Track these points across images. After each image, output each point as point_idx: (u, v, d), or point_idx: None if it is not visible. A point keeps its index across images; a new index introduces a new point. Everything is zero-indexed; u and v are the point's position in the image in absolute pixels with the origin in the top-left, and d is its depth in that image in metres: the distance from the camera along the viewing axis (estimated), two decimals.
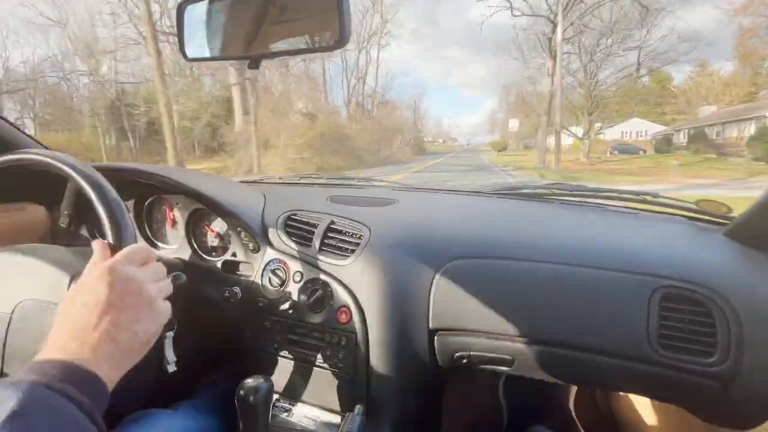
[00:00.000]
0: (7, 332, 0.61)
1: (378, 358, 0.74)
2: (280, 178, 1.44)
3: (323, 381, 0.79)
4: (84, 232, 1.02)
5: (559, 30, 18.33)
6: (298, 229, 0.86)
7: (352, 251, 0.79)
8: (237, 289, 0.85)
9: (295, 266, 0.83)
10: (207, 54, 0.58)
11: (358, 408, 0.70)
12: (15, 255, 0.66)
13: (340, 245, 0.81)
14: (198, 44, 0.58)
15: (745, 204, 0.73)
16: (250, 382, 0.65)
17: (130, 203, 0.98)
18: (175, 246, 0.98)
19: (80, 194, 0.61)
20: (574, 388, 1.21)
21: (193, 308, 0.86)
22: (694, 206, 0.88)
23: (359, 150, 22.37)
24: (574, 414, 1.19)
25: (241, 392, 0.64)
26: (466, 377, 1.00)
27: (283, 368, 0.83)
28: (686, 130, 28.46)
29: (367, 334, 0.75)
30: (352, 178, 1.42)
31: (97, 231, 1.02)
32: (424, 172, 17.13)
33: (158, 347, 0.76)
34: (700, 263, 0.68)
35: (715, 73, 32.41)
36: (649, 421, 0.99)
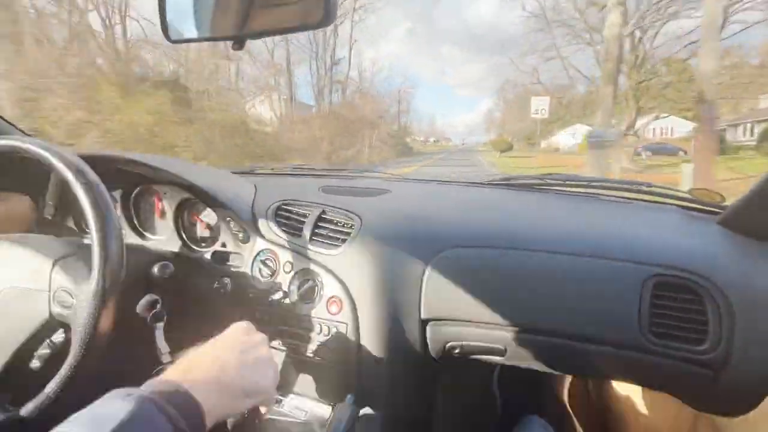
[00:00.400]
0: None
1: (369, 349, 0.74)
2: (272, 169, 1.42)
3: (314, 372, 0.78)
4: (70, 222, 1.00)
5: None
6: (288, 219, 0.85)
7: (343, 241, 0.78)
8: (227, 280, 0.84)
9: (285, 256, 0.82)
10: (190, 35, 0.56)
11: (349, 398, 0.69)
12: None
13: (331, 235, 0.80)
14: (181, 26, 0.57)
15: None
16: None
17: (117, 193, 0.96)
18: (164, 237, 0.96)
19: (65, 184, 0.59)
20: (567, 378, 1.22)
21: (183, 299, 0.85)
22: (687, 195, 0.88)
23: (296, 149, 16.96)
24: (567, 404, 1.19)
25: None
26: (459, 367, 0.99)
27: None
28: (746, 125, 23.41)
29: (358, 324, 0.74)
30: (345, 169, 1.40)
31: (83, 221, 1.00)
32: None
33: (150, 339, 0.75)
34: (692, 251, 0.67)
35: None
36: (641, 411, 0.99)
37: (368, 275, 0.74)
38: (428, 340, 0.76)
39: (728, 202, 0.80)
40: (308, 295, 0.78)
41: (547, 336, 0.69)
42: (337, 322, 0.75)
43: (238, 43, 0.50)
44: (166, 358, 0.76)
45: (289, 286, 0.80)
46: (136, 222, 0.99)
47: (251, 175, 1.28)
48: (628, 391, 1.04)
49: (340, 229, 0.80)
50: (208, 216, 0.93)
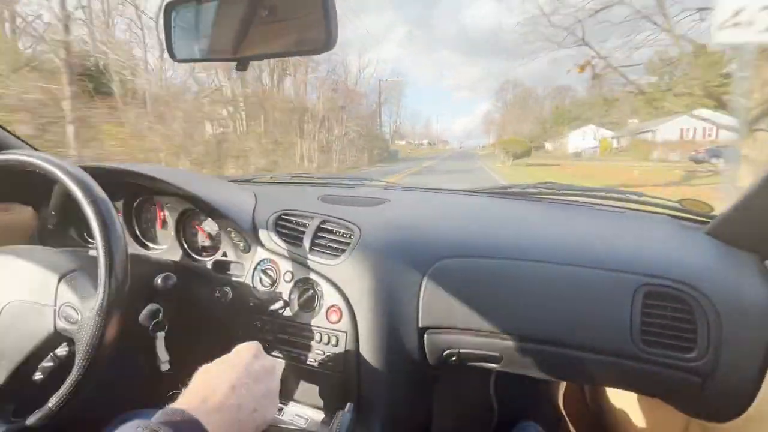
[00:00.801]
0: None
1: (368, 357, 0.75)
2: (271, 178, 1.44)
3: (314, 380, 0.79)
4: (72, 233, 1.01)
5: None
6: (288, 229, 0.86)
7: (343, 251, 0.80)
8: (228, 289, 0.86)
9: (285, 266, 0.83)
10: (195, 55, 0.58)
11: (348, 406, 0.70)
12: (2, 256, 0.66)
13: (331, 245, 0.82)
14: (186, 45, 0.59)
15: None
16: None
17: (119, 203, 0.98)
18: (165, 246, 0.97)
19: (68, 195, 0.61)
20: (563, 384, 1.23)
21: (184, 309, 0.86)
22: (678, 205, 0.90)
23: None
24: (563, 409, 1.21)
25: None
26: (456, 374, 1.01)
27: None
28: None
29: (357, 332, 0.75)
30: (343, 177, 1.42)
31: (85, 232, 1.01)
32: None
33: (150, 347, 0.77)
34: (682, 261, 0.69)
35: None
36: (635, 416, 1.01)
37: (367, 285, 0.76)
38: (426, 348, 0.77)
39: (716, 212, 0.82)
40: (308, 305, 0.79)
41: (541, 344, 0.71)
42: (336, 330, 0.76)
43: (242, 64, 0.51)
44: (164, 367, 0.77)
45: (289, 296, 0.81)
46: (137, 232, 1.00)
47: (250, 183, 1.29)
48: (622, 396, 1.06)
49: (340, 239, 0.82)
50: (210, 226, 0.94)
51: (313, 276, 0.80)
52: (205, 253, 0.95)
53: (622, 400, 1.07)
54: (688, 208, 0.88)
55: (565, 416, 1.21)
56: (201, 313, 0.90)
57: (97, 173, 0.64)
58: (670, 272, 0.66)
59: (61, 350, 0.61)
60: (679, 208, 0.89)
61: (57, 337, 0.60)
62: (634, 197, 0.94)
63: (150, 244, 1.00)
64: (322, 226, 0.85)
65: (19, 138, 0.99)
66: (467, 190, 1.22)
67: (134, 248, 0.99)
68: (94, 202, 0.58)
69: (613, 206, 0.99)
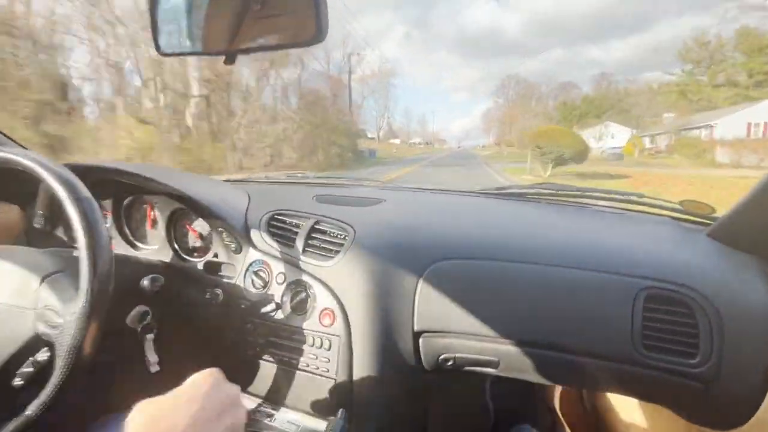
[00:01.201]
0: None
1: (362, 361, 0.73)
2: (266, 177, 1.42)
3: (306, 385, 0.77)
4: (60, 232, 0.99)
5: None
6: (281, 230, 0.84)
7: (336, 252, 0.78)
8: (219, 291, 0.84)
9: (278, 267, 0.81)
10: (181, 49, 0.56)
11: (341, 412, 0.69)
12: None
13: (324, 246, 0.80)
14: (172, 38, 0.56)
15: None
16: None
17: (108, 203, 0.95)
18: (156, 246, 0.95)
19: (54, 194, 0.58)
20: (559, 388, 1.21)
21: (174, 311, 0.84)
22: (678, 207, 0.88)
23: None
24: (559, 413, 1.19)
25: None
26: (452, 378, 0.99)
27: (265, 372, 0.81)
28: None
29: (350, 336, 0.74)
30: (340, 177, 1.40)
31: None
32: None
33: (140, 350, 0.75)
34: (683, 264, 0.68)
35: None
36: (633, 421, 0.99)
37: (361, 287, 0.74)
38: (421, 353, 0.75)
39: (718, 214, 0.81)
40: (301, 307, 0.77)
41: (540, 348, 0.69)
42: (329, 334, 0.74)
43: (230, 58, 0.49)
44: (154, 368, 0.75)
45: (281, 298, 0.79)
46: (127, 232, 0.98)
47: (244, 183, 1.27)
48: (620, 401, 1.04)
49: (334, 240, 0.80)
50: (201, 226, 0.92)
51: (305, 278, 0.78)
52: (196, 254, 0.93)
53: (621, 405, 1.05)
54: (689, 209, 0.87)
55: (562, 420, 1.19)
56: (191, 315, 0.88)
57: (85, 172, 0.62)
58: (671, 275, 0.65)
59: (42, 355, 0.59)
60: (679, 210, 0.88)
61: (37, 342, 0.58)
62: (635, 198, 0.93)
63: (140, 245, 0.98)
64: (315, 226, 0.83)
65: (5, 135, 0.96)
66: (464, 190, 1.21)
67: (124, 249, 0.97)
68: (78, 200, 0.56)
69: (612, 207, 0.98)
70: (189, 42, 0.54)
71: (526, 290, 0.70)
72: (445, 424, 1.04)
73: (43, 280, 0.60)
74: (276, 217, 0.86)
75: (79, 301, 0.53)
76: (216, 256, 0.89)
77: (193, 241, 0.93)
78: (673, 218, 0.89)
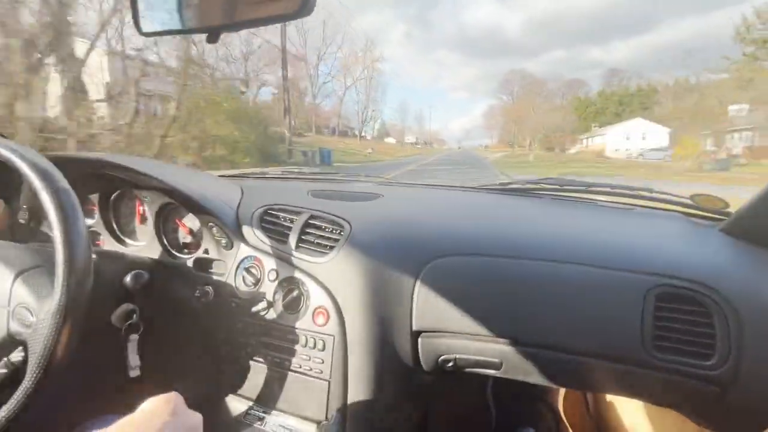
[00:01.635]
0: None
1: (357, 363, 0.70)
2: (262, 173, 1.38)
3: (299, 387, 0.74)
4: (45, 227, 0.95)
5: None
6: (274, 225, 0.81)
7: (331, 248, 0.75)
8: (209, 289, 0.80)
9: (270, 264, 0.78)
10: (163, 27, 0.52)
11: (334, 416, 0.65)
12: None
13: (319, 241, 0.76)
14: (154, 18, 0.53)
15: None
16: None
17: (95, 197, 0.92)
18: (144, 242, 0.92)
19: (31, 185, 0.55)
20: (563, 390, 1.18)
21: (162, 309, 0.81)
22: (689, 201, 0.85)
23: None
24: (563, 415, 1.16)
25: None
26: (452, 379, 0.96)
27: (257, 373, 0.78)
28: None
29: (345, 336, 0.70)
30: (337, 173, 1.37)
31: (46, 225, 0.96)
32: None
33: (119, 352, 0.71)
34: (697, 260, 0.64)
35: None
36: (638, 424, 0.96)
37: (356, 284, 0.71)
38: (420, 353, 0.72)
39: (732, 209, 0.77)
40: (293, 306, 0.74)
41: (544, 349, 0.66)
42: (323, 334, 0.71)
43: (213, 35, 0.46)
44: (134, 373, 0.72)
45: (273, 296, 0.76)
46: (115, 227, 0.94)
47: (239, 178, 1.24)
48: (625, 404, 1.01)
49: (328, 235, 0.77)
50: (191, 221, 0.89)
51: (299, 275, 0.75)
52: (186, 250, 0.90)
53: (625, 408, 1.02)
54: (701, 204, 0.83)
55: (566, 422, 1.16)
56: (180, 314, 0.84)
57: (68, 164, 0.59)
58: (684, 272, 0.61)
59: (16, 356, 0.55)
60: (690, 205, 0.84)
61: (10, 341, 0.55)
62: (644, 193, 0.89)
63: (128, 240, 0.94)
64: (309, 221, 0.79)
65: None
66: (465, 186, 1.17)
67: (111, 244, 0.94)
68: (55, 192, 0.52)
69: (620, 203, 0.94)
70: (170, 20, 0.51)
71: (530, 288, 0.67)
72: (445, 427, 1.01)
73: (17, 276, 0.57)
74: (269, 211, 0.83)
75: (54, 298, 0.50)
76: (206, 252, 0.85)
77: (183, 236, 0.90)
78: (684, 213, 0.86)
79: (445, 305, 0.69)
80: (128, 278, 0.70)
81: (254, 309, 0.76)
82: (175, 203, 0.87)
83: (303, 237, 0.78)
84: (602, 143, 36.75)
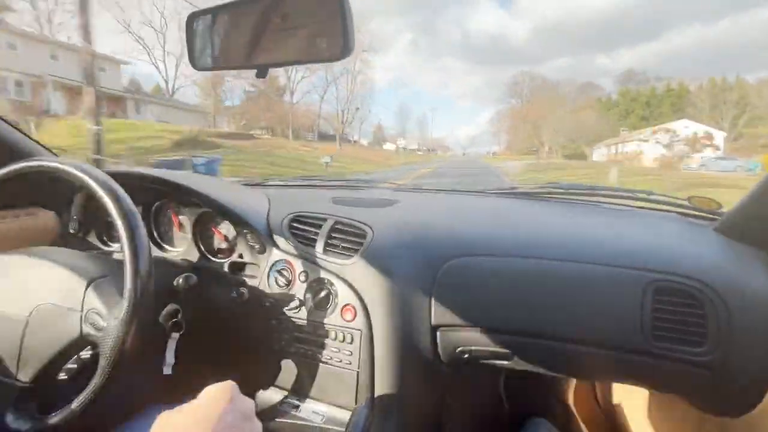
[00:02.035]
0: (23, 336, 0.63)
1: (382, 354, 0.77)
2: (282, 181, 1.46)
3: (330, 378, 0.81)
4: (92, 237, 1.04)
5: None
6: (302, 231, 0.88)
7: (356, 251, 0.82)
8: (244, 290, 0.88)
9: (300, 266, 0.85)
10: (216, 63, 0.60)
11: (364, 402, 0.72)
12: (32, 258, 0.68)
13: (344, 245, 0.84)
14: (206, 54, 0.61)
15: None
16: None
17: (139, 207, 1.00)
18: (183, 248, 1.00)
19: (89, 200, 0.63)
20: (573, 382, 1.24)
21: (201, 309, 0.89)
22: (686, 203, 0.91)
23: None
24: (573, 406, 1.21)
25: None
26: (467, 371, 1.02)
27: (290, 366, 0.85)
28: None
29: (371, 330, 0.77)
30: (353, 180, 1.45)
31: (105, 236, 1.04)
32: None
33: (155, 348, 0.78)
34: (691, 258, 0.70)
35: None
36: (647, 413, 1.01)
37: (380, 284, 0.78)
38: (438, 346, 0.79)
39: (725, 209, 0.83)
40: (323, 304, 0.81)
41: (552, 340, 0.72)
42: (351, 328, 0.78)
43: (261, 71, 0.54)
44: (167, 370, 0.77)
45: (304, 295, 0.83)
46: (156, 234, 1.03)
47: (262, 187, 1.32)
48: (633, 393, 1.06)
49: (353, 239, 0.84)
50: (226, 228, 0.97)
51: (327, 276, 0.82)
52: (221, 255, 0.98)
53: (633, 398, 1.07)
54: (696, 205, 0.89)
55: (576, 414, 1.21)
56: (218, 313, 0.92)
57: (122, 179, 0.67)
58: (680, 269, 0.67)
59: (86, 353, 0.63)
60: (686, 206, 0.90)
61: (82, 341, 0.62)
62: (642, 195, 0.95)
63: (167, 247, 1.03)
64: (335, 227, 0.87)
65: (38, 143, 1.02)
66: (475, 190, 1.24)
67: (152, 251, 1.02)
68: (124, 215, 0.60)
69: (621, 204, 1.00)
70: (222, 57, 0.59)
71: (538, 284, 0.73)
72: (460, 418, 1.07)
73: (89, 284, 0.64)
74: (297, 218, 0.91)
75: (122, 308, 0.58)
76: (241, 256, 0.93)
77: (219, 242, 0.98)
78: (681, 214, 0.92)
79: (461, 301, 0.76)
80: (180, 280, 0.78)
81: (287, 307, 0.83)
82: (211, 212, 0.95)
83: (329, 242, 0.85)
84: (637, 150, 30.39)
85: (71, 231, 1.01)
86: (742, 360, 0.62)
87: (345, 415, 0.78)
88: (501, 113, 74.23)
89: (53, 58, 18.73)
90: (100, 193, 0.60)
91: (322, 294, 0.82)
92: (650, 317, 0.66)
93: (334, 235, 0.86)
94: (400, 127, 76.65)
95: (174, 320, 0.78)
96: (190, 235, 0.98)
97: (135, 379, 0.80)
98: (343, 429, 0.74)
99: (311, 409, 0.81)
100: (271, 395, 0.86)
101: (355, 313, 0.78)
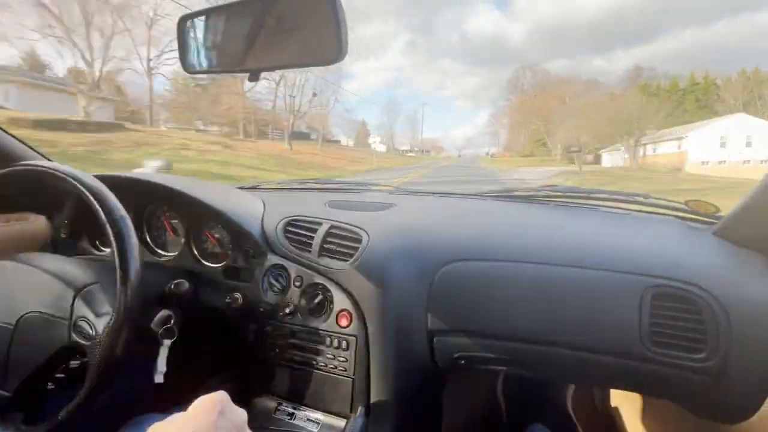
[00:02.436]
0: (10, 345, 0.61)
1: (378, 361, 0.76)
2: (277, 184, 1.45)
3: (325, 384, 0.80)
4: (84, 242, 1.03)
5: None
6: (297, 235, 0.87)
7: (351, 255, 0.81)
8: (238, 295, 0.87)
9: (295, 271, 0.84)
10: (207, 67, 0.59)
11: (360, 410, 0.71)
12: (19, 265, 0.67)
13: (340, 250, 0.83)
14: (198, 57, 0.60)
15: None
16: None
17: (130, 212, 0.99)
18: (176, 253, 0.98)
19: (81, 205, 0.62)
20: (571, 387, 1.23)
21: (195, 315, 0.87)
22: (683, 206, 0.90)
23: None
24: (571, 412, 1.21)
25: None
26: (465, 376, 1.01)
27: (285, 373, 0.84)
28: None
29: (367, 336, 0.76)
30: (349, 183, 1.43)
31: (97, 241, 1.03)
32: None
33: (149, 356, 0.77)
34: (689, 262, 0.70)
35: None
36: (645, 419, 1.00)
37: (376, 289, 0.77)
38: (435, 352, 0.78)
39: (723, 213, 0.83)
40: (318, 309, 0.80)
41: (550, 346, 0.71)
42: (346, 335, 0.77)
43: (254, 75, 0.53)
44: (158, 378, 0.75)
45: (299, 300, 0.82)
46: (148, 239, 1.01)
47: (257, 190, 1.31)
48: (631, 399, 1.06)
49: (349, 243, 0.83)
50: (220, 233, 0.95)
51: (322, 281, 0.81)
52: (215, 260, 0.96)
53: (632, 403, 1.06)
54: (694, 209, 0.88)
55: (574, 419, 1.21)
56: (212, 319, 0.91)
57: (113, 183, 0.66)
58: (678, 273, 0.67)
59: (74, 362, 0.62)
60: (684, 209, 0.90)
61: (70, 350, 0.61)
62: (640, 198, 0.95)
63: (161, 251, 1.01)
64: (330, 231, 0.86)
65: (31, 148, 1.01)
66: (472, 194, 1.23)
67: (145, 256, 1.00)
68: (114, 221, 0.60)
69: (619, 208, 1.00)
70: (214, 60, 0.58)
71: (536, 290, 0.72)
72: (458, 423, 1.06)
73: (78, 292, 0.63)
74: (292, 222, 0.90)
75: (112, 318, 0.57)
76: (235, 261, 0.92)
77: (212, 247, 0.97)
78: (679, 218, 0.91)
79: (457, 306, 0.75)
80: (172, 286, 0.76)
81: (281, 313, 0.82)
82: (205, 217, 0.94)
83: (325, 246, 0.84)
84: (677, 152, 25.39)
85: (62, 236, 0.99)
86: (742, 366, 0.62)
87: (340, 423, 0.77)
88: (500, 110, 69.36)
89: None
90: (90, 198, 0.59)
91: (317, 300, 0.80)
92: (648, 323, 0.65)
93: (329, 239, 0.85)
94: (388, 125, 72.03)
95: (166, 327, 0.76)
96: (183, 240, 0.97)
97: (125, 388, 0.79)
98: None
99: (306, 417, 0.79)
100: (265, 402, 0.85)
101: (351, 319, 0.77)
